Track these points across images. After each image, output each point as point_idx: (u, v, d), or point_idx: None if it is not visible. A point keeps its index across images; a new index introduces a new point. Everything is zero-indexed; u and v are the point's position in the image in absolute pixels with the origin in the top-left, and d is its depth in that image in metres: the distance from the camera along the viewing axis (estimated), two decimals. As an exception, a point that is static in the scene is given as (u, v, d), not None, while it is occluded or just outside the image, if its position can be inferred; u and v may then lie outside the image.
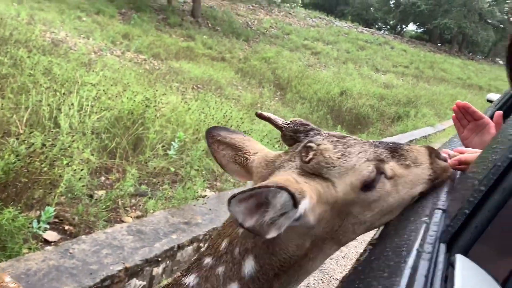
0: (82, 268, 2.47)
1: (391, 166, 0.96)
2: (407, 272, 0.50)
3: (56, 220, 3.20)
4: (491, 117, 1.25)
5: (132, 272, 2.63)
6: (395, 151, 0.99)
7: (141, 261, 2.69)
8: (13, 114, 3.87)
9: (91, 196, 3.48)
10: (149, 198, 3.61)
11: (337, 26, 27.84)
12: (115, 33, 11.49)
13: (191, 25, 16.40)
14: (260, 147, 1.17)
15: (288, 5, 23.08)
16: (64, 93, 4.37)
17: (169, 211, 3.35)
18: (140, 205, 3.65)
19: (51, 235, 3.02)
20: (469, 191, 0.61)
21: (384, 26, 42.73)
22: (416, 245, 0.57)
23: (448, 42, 37.31)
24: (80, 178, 3.23)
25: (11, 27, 7.40)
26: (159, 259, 2.81)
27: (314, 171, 0.93)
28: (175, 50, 12.07)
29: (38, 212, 3.01)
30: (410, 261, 0.54)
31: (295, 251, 0.96)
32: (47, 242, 2.95)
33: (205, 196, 3.83)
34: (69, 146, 3.51)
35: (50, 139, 3.48)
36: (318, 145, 0.93)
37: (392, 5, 38.51)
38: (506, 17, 32.15)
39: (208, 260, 0.99)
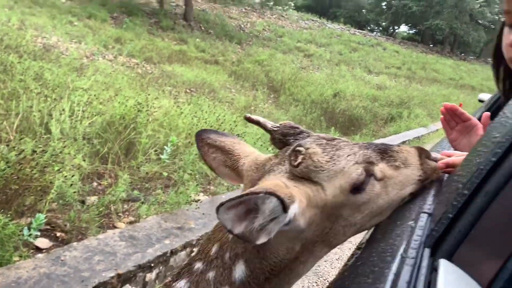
0: (73, 275, 2.45)
1: (380, 168, 0.95)
2: (390, 278, 0.50)
3: (48, 227, 3.17)
4: (480, 119, 1.25)
5: (124, 279, 2.61)
6: (385, 152, 0.99)
7: (133, 267, 2.67)
8: (3, 121, 3.84)
9: (82, 202, 3.46)
10: (142, 203, 3.59)
11: (330, 28, 27.94)
12: (107, 37, 11.45)
13: (184, 28, 16.39)
14: (250, 150, 1.16)
15: (280, 7, 23.11)
16: (55, 99, 4.34)
17: (161, 216, 3.33)
18: (133, 211, 3.62)
19: (43, 242, 2.99)
20: (453, 194, 0.60)
21: (376, 27, 42.95)
22: (401, 250, 0.57)
23: (440, 43, 37.56)
24: (71, 184, 3.21)
25: (1, 33, 7.35)
26: (152, 265, 2.79)
27: (303, 175, 0.92)
28: (167, 54, 12.04)
29: (29, 219, 2.99)
30: (394, 266, 0.53)
31: (286, 255, 0.96)
32: (38, 250, 2.92)
33: (199, 200, 3.82)
34: (60, 152, 3.48)
35: (41, 145, 3.45)
36: (307, 149, 0.93)
37: (384, 7, 38.73)
38: (496, 17, 32.44)
39: (198, 265, 0.99)
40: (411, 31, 42.16)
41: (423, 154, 1.01)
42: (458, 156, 0.94)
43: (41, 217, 2.78)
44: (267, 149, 5.20)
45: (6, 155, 3.03)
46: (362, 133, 10.15)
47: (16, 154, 3.06)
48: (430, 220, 0.66)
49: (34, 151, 3.18)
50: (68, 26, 11.22)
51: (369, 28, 40.79)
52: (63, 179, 3.21)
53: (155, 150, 4.39)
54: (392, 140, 9.17)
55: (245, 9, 23.79)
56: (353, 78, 16.47)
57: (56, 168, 3.24)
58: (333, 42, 23.74)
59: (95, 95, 4.86)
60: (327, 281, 3.56)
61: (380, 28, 42.71)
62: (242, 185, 1.14)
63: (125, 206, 3.69)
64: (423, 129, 11.17)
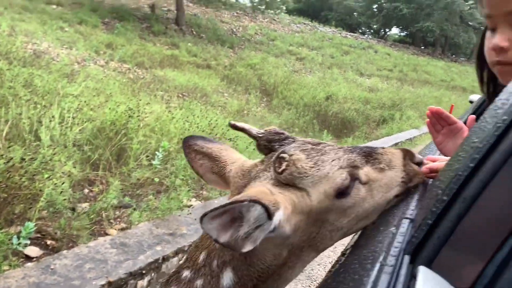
0: (64, 284, 2.42)
1: (365, 172, 0.95)
2: (368, 287, 0.50)
3: (38, 235, 3.14)
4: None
5: (115, 286, 2.59)
6: (370, 155, 0.99)
7: (125, 274, 2.65)
8: (-8, 128, 3.80)
9: (73, 210, 3.43)
10: (134, 209, 3.57)
11: (321, 32, 28.05)
12: (98, 42, 11.41)
13: (175, 33, 16.37)
14: (237, 156, 1.16)
15: (272, 11, 23.18)
16: (45, 106, 4.31)
17: (153, 222, 3.31)
18: (124, 217, 3.60)
19: (33, 251, 2.96)
20: (432, 200, 0.60)
21: (367, 30, 43.17)
22: (381, 258, 0.56)
23: (431, 45, 37.83)
24: (61, 192, 3.18)
25: (-10, 40, 7.31)
26: (144, 272, 2.77)
27: (288, 181, 0.92)
28: (159, 59, 12.02)
29: (18, 227, 2.95)
30: (373, 274, 0.53)
31: (273, 261, 0.95)
32: (28, 258, 2.89)
33: (191, 205, 3.80)
34: (50, 159, 3.46)
35: (30, 153, 3.42)
36: (291, 155, 0.93)
37: (375, 10, 38.95)
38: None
39: (186, 273, 0.98)
40: (402, 34, 42.43)
41: (407, 156, 1.02)
42: (442, 161, 0.94)
43: (30, 225, 2.75)
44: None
45: (-5, 163, 3.00)
46: (354, 135, 10.19)
47: (4, 162, 3.03)
48: (411, 226, 0.66)
49: (23, 159, 3.15)
50: (59, 32, 11.17)
51: (360, 31, 41.02)
52: (53, 186, 3.18)
53: (147, 156, 4.37)
54: (384, 142, 9.21)
55: (237, 13, 23.84)
56: (345, 81, 16.54)
57: (46, 176, 3.21)
58: (325, 45, 23.84)
59: (85, 101, 4.84)
60: (321, 284, 3.55)
61: (372, 31, 42.95)
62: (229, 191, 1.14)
63: (117, 212, 3.66)
64: (415, 131, 11.24)
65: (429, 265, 0.55)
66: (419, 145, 9.54)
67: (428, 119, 1.27)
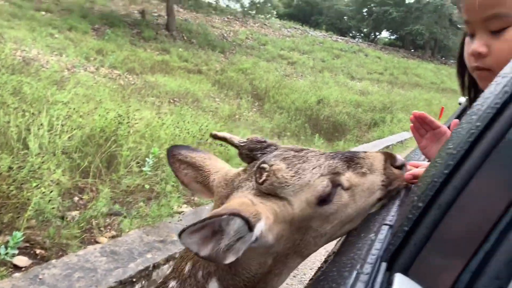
0: (52, 294, 2.40)
1: (347, 177, 0.95)
2: (344, 296, 0.50)
3: (27, 244, 3.11)
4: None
5: (105, 295, 2.56)
6: (351, 160, 0.99)
7: (115, 283, 2.62)
8: (-21, 137, 3.76)
9: (62, 218, 3.40)
10: (124, 217, 3.55)
11: (312, 36, 28.21)
12: (88, 49, 11.37)
13: (166, 38, 16.36)
14: (220, 166, 1.16)
15: (263, 16, 23.27)
16: (33, 113, 4.28)
17: (143, 229, 3.29)
18: (115, 225, 3.58)
19: (22, 260, 2.92)
20: (409, 207, 0.60)
21: (358, 34, 43.50)
22: (358, 265, 0.56)
23: (421, 48, 38.19)
24: (49, 200, 3.15)
25: (-21, 47, 7.24)
26: (134, 280, 2.75)
27: (270, 191, 0.92)
28: (150, 64, 12.01)
29: (6, 237, 2.92)
30: (349, 283, 0.53)
31: (258, 270, 0.95)
32: (17, 268, 2.85)
33: (182, 212, 3.78)
34: (39, 168, 3.42)
35: (18, 161, 3.39)
36: (271, 165, 0.93)
37: (365, 13, 39.30)
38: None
39: (172, 284, 0.98)
40: (392, 37, 42.81)
41: (388, 159, 1.02)
42: (424, 167, 0.95)
43: (18, 235, 2.72)
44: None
45: (-18, 172, 2.97)
46: (346, 139, 10.23)
47: (-8, 171, 3.00)
48: (390, 233, 0.66)
49: (10, 168, 3.12)
50: (49, 39, 11.11)
51: (351, 34, 41.31)
52: (41, 195, 3.14)
53: (137, 162, 4.35)
54: (376, 145, 9.26)
55: (228, 18, 23.89)
56: (336, 84, 16.64)
57: (34, 184, 3.18)
58: (316, 49, 23.97)
59: (74, 109, 4.80)
60: (313, 289, 3.54)
61: (362, 35, 43.28)
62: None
63: (107, 220, 3.64)
64: (406, 133, 11.32)
65: (405, 272, 0.55)
66: (410, 148, 9.60)
67: (412, 124, 1.28)
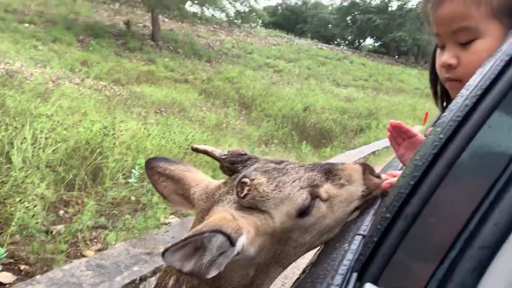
0: (36, 310, 2.36)
1: (325, 189, 0.98)
2: (315, 307, 0.51)
3: (11, 260, 3.06)
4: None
5: (91, 310, 2.53)
6: (330, 172, 1.01)
7: (101, 297, 2.60)
8: (-39, 152, 3.71)
9: (47, 232, 3.35)
10: (110, 230, 3.52)
11: (298, 44, 28.45)
12: (73, 60, 11.30)
13: (152, 48, 16.34)
14: (201, 178, 1.16)
15: (248, 25, 23.41)
16: (16, 127, 4.22)
17: (130, 242, 3.27)
18: (101, 238, 3.54)
19: (6, 277, 2.88)
20: (378, 217, 0.62)
21: (342, 41, 44.00)
22: (329, 276, 0.58)
23: (404, 54, 38.73)
24: (33, 215, 3.11)
25: (-40, 60, 7.15)
26: (120, 293, 2.72)
27: (251, 205, 0.94)
28: (135, 75, 11.97)
29: (-11, 253, 2.87)
30: (321, 294, 0.54)
31: (241, 281, 0.97)
32: (2, 285, 2.81)
33: (169, 223, 3.77)
34: (22, 182, 3.38)
35: (1, 176, 3.34)
36: (252, 180, 0.94)
37: (349, 21, 39.77)
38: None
39: None
40: (376, 44, 43.36)
41: (367, 170, 1.05)
42: None
43: (2, 251, 2.68)
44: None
45: (-37, 188, 2.93)
46: (333, 145, 10.30)
47: (-26, 187, 2.95)
48: (363, 243, 0.68)
49: (-7, 183, 3.08)
50: (33, 51, 11.02)
51: (335, 42, 41.76)
52: (25, 210, 3.10)
53: (123, 174, 4.32)
54: (362, 151, 9.34)
55: (213, 27, 23.97)
56: (322, 91, 16.77)
57: (18, 199, 3.14)
58: (302, 57, 24.17)
59: (59, 121, 4.76)
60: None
61: (346, 42, 43.78)
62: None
63: (93, 233, 3.60)
64: (392, 139, 11.43)
65: (375, 282, 0.56)
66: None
67: (389, 133, 1.31)
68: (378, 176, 1.05)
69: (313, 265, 0.82)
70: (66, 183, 3.99)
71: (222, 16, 20.01)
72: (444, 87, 1.17)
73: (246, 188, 0.93)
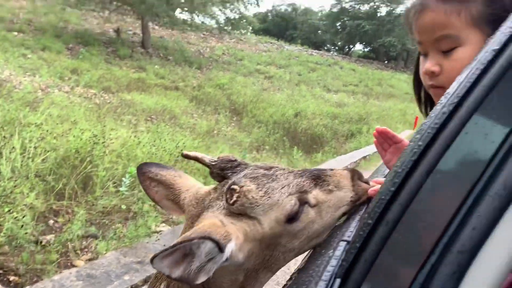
0: (26, 322, 2.34)
1: (314, 195, 0.99)
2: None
3: (0, 271, 3.02)
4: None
5: (82, 320, 2.51)
6: (318, 178, 1.02)
7: (91, 307, 2.58)
8: None
9: (37, 242, 3.32)
10: (100, 240, 3.49)
11: (288, 50, 28.61)
12: (62, 68, 11.23)
13: (142, 56, 16.31)
14: (191, 183, 1.17)
15: (238, 32, 23.49)
16: (4, 136, 4.19)
17: (120, 251, 3.25)
18: (91, 247, 3.51)
19: (-5, 288, 2.84)
20: (361, 223, 0.63)
21: (332, 47, 44.33)
22: (313, 283, 0.59)
23: (394, 59, 39.11)
24: (22, 226, 3.08)
25: None
26: (111, 303, 2.70)
27: (240, 211, 0.95)
28: (126, 82, 11.93)
29: (-23, 265, 2.84)
30: (304, 301, 0.55)
31: (230, 286, 0.98)
32: (-11, 297, 2.78)
33: (160, 231, 3.75)
34: (11, 192, 3.35)
35: (-11, 186, 3.31)
36: (241, 187, 0.95)
37: (339, 27, 40.14)
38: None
39: None
40: (366, 49, 43.72)
41: (355, 176, 1.06)
42: None
43: (-10, 262, 2.64)
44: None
45: (-49, 199, 2.89)
46: (324, 150, 10.34)
47: (-39, 198, 2.92)
48: (346, 249, 0.69)
49: (-20, 194, 3.05)
50: (22, 59, 10.94)
51: (325, 48, 42.06)
52: (14, 220, 3.07)
53: (114, 183, 4.30)
54: (353, 156, 9.39)
55: (204, 34, 24.02)
56: (313, 97, 16.85)
57: (6, 209, 3.11)
58: (292, 63, 24.29)
59: (48, 130, 4.73)
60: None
61: (336, 48, 44.11)
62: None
63: (84, 242, 3.57)
64: (383, 144, 11.50)
65: (358, 287, 0.57)
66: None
67: (375, 139, 1.33)
68: (367, 182, 1.07)
69: (299, 271, 0.83)
70: (56, 192, 3.96)
71: (212, 23, 20.08)
72: (428, 93, 1.19)
73: (236, 195, 0.94)
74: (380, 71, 30.70)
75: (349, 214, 1.01)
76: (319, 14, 44.74)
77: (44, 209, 3.72)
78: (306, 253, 1.04)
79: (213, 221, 0.93)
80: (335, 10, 39.85)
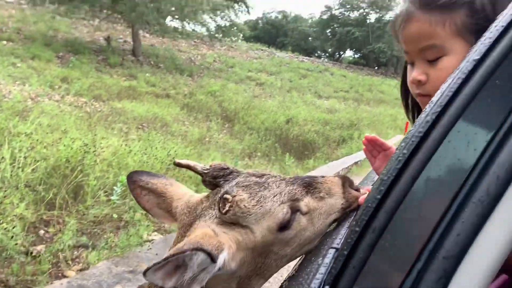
0: (16, 334, 2.30)
1: (305, 203, 1.00)
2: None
3: (-10, 283, 2.99)
4: None
5: (73, 332, 2.48)
6: (310, 185, 1.03)
7: (83, 318, 2.55)
8: None
9: (27, 253, 3.28)
10: (91, 250, 3.46)
11: (279, 57, 28.75)
12: (52, 77, 11.16)
13: (133, 64, 16.27)
14: (183, 192, 1.17)
15: (229, 39, 23.56)
16: (-6, 147, 4.16)
17: (112, 260, 3.22)
18: (82, 257, 3.48)
19: (-16, 301, 2.81)
20: (349, 231, 0.64)
21: (323, 54, 44.65)
22: (302, 290, 0.59)
23: (384, 65, 39.47)
24: (12, 236, 3.04)
25: None
26: (103, 314, 2.67)
27: (232, 220, 0.95)
28: (117, 90, 11.88)
29: (-34, 277, 2.80)
30: (293, 308, 0.56)
31: None
32: (-21, 309, 2.74)
33: (152, 240, 3.73)
34: (1, 203, 3.32)
35: (-22, 197, 3.27)
36: (234, 196, 0.96)
37: (329, 34, 40.49)
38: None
39: None
40: (356, 56, 44.08)
41: (346, 183, 1.07)
42: None
43: (-21, 274, 2.61)
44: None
45: None
46: (316, 157, 10.37)
47: (-50, 209, 2.88)
48: (335, 256, 0.70)
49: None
50: (11, 68, 10.85)
51: (316, 54, 42.35)
52: (4, 231, 3.04)
53: (105, 192, 4.27)
54: (345, 161, 9.44)
55: (195, 42, 24.05)
56: (304, 103, 16.93)
57: (-4, 220, 3.08)
58: (283, 70, 24.40)
59: (38, 140, 4.69)
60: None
61: (327, 54, 44.43)
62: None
63: (75, 252, 3.54)
64: (374, 149, 11.56)
65: (346, 295, 0.58)
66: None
67: (364, 147, 1.34)
68: (357, 189, 1.08)
69: (289, 279, 0.84)
70: (46, 202, 3.93)
71: (203, 30, 20.09)
72: (415, 100, 1.22)
73: (228, 205, 0.95)
74: (370, 77, 30.96)
75: (339, 221, 1.02)
76: (309, 21, 45.09)
77: (34, 220, 3.69)
78: (297, 259, 1.05)
79: (205, 231, 0.93)
80: (325, 17, 40.22)
